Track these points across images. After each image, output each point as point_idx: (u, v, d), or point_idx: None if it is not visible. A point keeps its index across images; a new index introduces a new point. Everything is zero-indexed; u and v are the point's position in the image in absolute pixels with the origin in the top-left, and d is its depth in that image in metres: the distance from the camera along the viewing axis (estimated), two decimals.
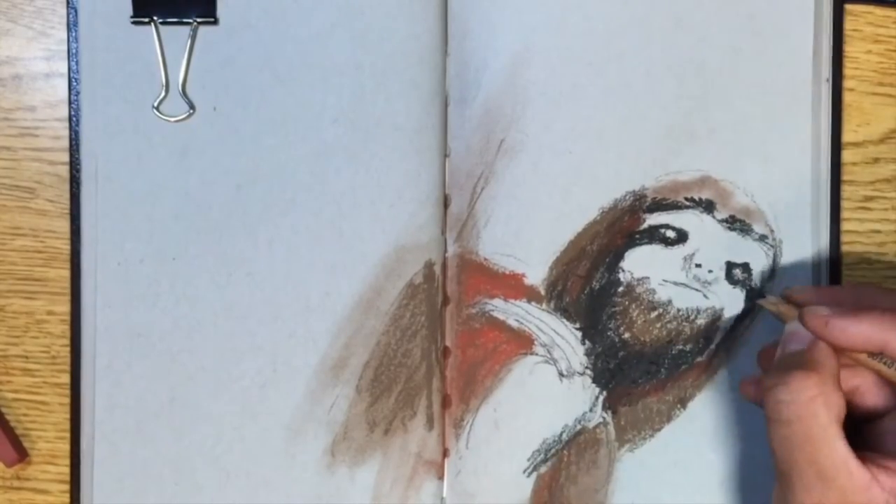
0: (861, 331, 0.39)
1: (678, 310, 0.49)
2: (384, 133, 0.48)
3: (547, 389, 0.49)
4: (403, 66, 0.48)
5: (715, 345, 0.49)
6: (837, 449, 0.37)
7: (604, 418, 0.49)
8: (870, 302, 0.41)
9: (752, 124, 0.49)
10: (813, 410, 0.37)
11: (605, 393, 0.49)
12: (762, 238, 0.49)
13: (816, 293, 0.44)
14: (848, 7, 0.50)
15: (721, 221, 0.49)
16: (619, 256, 0.49)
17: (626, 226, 0.49)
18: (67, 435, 0.49)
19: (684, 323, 0.49)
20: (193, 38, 0.48)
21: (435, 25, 0.48)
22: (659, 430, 0.49)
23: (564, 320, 0.49)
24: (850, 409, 0.41)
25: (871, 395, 0.42)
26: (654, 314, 0.49)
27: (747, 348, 0.49)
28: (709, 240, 0.49)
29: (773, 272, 0.49)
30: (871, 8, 0.50)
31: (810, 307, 0.41)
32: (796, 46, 0.49)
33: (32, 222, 0.49)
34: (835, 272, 0.50)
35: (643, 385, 0.49)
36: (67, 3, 0.48)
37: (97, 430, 0.48)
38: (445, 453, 0.49)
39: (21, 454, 0.49)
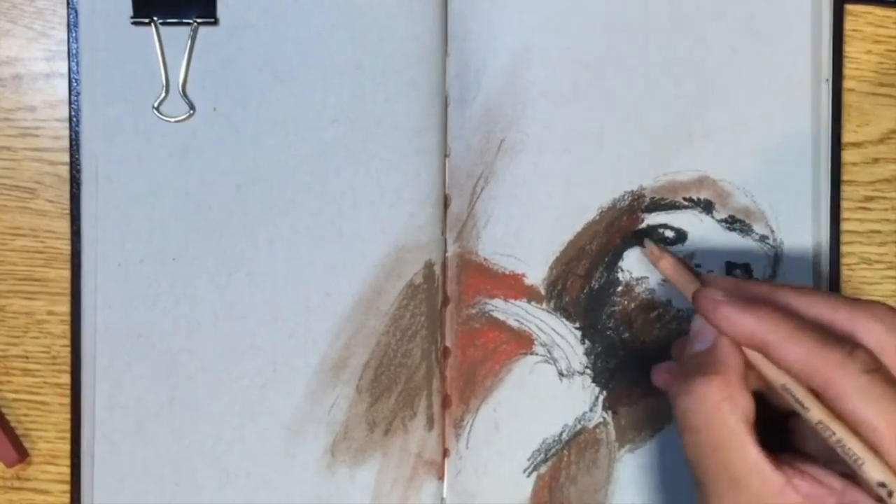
0: (745, 323, 0.37)
1: (678, 310, 0.49)
2: (384, 133, 0.48)
3: (547, 389, 0.49)
4: (403, 66, 0.48)
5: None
6: (749, 453, 0.35)
7: (604, 418, 0.49)
8: (780, 300, 0.39)
9: (752, 124, 0.49)
10: (720, 416, 0.36)
11: (605, 393, 0.49)
12: (762, 238, 0.49)
13: (734, 284, 0.41)
14: (848, 7, 0.50)
15: (720, 222, 0.49)
16: (619, 256, 0.49)
17: (625, 225, 0.49)
18: (68, 435, 0.49)
19: (684, 322, 0.49)
20: (193, 38, 0.48)
21: (435, 25, 0.48)
22: (659, 430, 0.49)
23: (564, 320, 0.49)
24: (773, 403, 0.39)
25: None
26: (653, 314, 0.49)
27: None
28: (708, 240, 0.49)
29: (774, 273, 0.49)
30: (871, 8, 0.50)
31: (707, 289, 0.40)
32: (795, 47, 0.49)
33: (33, 222, 0.49)
34: (835, 272, 0.50)
35: (643, 385, 0.49)
36: (68, 3, 0.48)
37: (97, 430, 0.48)
38: (445, 453, 0.49)
39: (21, 454, 0.49)
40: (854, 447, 0.34)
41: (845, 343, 0.35)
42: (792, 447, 0.39)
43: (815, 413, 0.35)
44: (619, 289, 0.49)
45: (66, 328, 0.49)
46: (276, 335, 0.48)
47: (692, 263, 0.49)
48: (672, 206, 0.49)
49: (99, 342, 0.48)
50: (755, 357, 0.38)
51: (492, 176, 0.49)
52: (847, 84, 0.50)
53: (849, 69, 0.50)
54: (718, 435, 0.36)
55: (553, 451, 0.49)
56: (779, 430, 0.38)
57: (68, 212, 0.49)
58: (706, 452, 0.36)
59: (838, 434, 0.34)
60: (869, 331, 0.36)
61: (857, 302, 0.37)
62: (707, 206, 0.49)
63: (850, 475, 0.35)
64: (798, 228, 0.49)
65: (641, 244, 0.49)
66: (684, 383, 0.37)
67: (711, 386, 0.36)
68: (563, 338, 0.49)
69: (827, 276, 0.49)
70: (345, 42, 0.48)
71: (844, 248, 0.50)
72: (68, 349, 0.49)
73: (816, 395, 0.36)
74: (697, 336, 0.40)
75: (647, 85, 0.49)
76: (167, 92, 0.48)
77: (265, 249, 0.48)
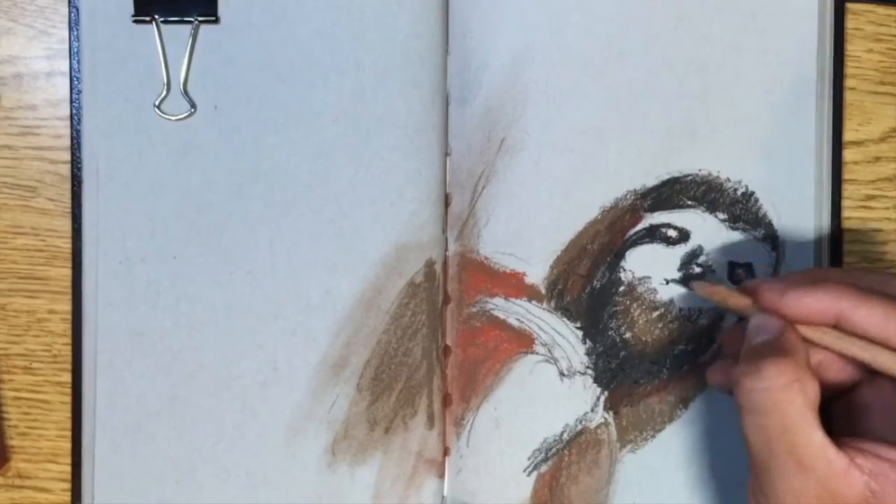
0: (816, 300, 0.38)
1: (680, 309, 0.49)
2: (385, 132, 0.48)
3: (547, 389, 0.49)
4: (404, 65, 0.48)
5: (717, 345, 0.49)
6: (815, 436, 0.36)
7: (605, 419, 0.49)
8: (823, 277, 0.40)
9: (755, 123, 0.49)
10: (790, 397, 0.36)
11: (606, 393, 0.49)
12: (765, 237, 0.49)
13: (785, 277, 0.43)
14: (849, 6, 0.50)
15: (723, 221, 0.49)
16: (620, 256, 0.49)
17: (627, 225, 0.49)
18: (68, 433, 0.49)
19: (686, 323, 0.49)
20: (195, 37, 0.48)
21: (435, 24, 0.48)
22: (661, 430, 0.49)
23: (565, 319, 0.49)
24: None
25: (834, 370, 0.41)
26: (655, 314, 0.49)
27: None
28: (711, 239, 0.49)
29: (776, 271, 0.49)
30: (872, 7, 0.50)
31: (764, 283, 0.40)
32: (799, 45, 0.49)
33: (34, 221, 0.50)
34: None
35: (645, 385, 0.49)
36: (69, 1, 0.48)
37: (98, 429, 0.48)
38: (446, 452, 0.49)
39: (2, 459, 0.49)
40: None
41: None
42: (837, 430, 0.39)
43: None
44: (621, 289, 0.49)
45: (67, 327, 0.49)
46: (276, 334, 0.48)
47: (695, 262, 0.49)
48: (675, 206, 0.49)
49: (100, 340, 0.48)
50: (826, 337, 0.39)
51: (493, 175, 0.49)
52: (848, 83, 0.50)
53: (850, 68, 0.50)
54: (786, 417, 0.36)
55: (553, 450, 0.49)
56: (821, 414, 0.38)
57: (69, 210, 0.49)
58: (773, 435, 0.37)
59: None
60: None
61: None
62: (710, 205, 0.49)
63: None
64: (800, 227, 0.49)
65: (687, 285, 0.49)
66: (753, 365, 0.37)
67: (784, 365, 0.37)
68: (563, 338, 0.49)
69: None
70: (345, 41, 0.48)
71: (846, 247, 0.50)
72: (69, 348, 0.49)
73: None
74: (759, 330, 0.40)
75: (649, 83, 0.49)
76: (168, 90, 0.48)
77: (266, 248, 0.48)
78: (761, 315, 0.40)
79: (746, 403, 0.38)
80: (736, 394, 0.38)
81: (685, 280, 0.49)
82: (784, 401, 0.36)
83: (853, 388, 0.41)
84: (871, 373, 0.40)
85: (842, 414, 0.41)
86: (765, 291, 0.40)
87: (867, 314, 0.37)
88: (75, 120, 0.49)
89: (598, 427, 0.49)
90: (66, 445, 0.49)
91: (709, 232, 0.49)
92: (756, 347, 0.40)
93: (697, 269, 0.49)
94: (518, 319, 0.49)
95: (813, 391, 0.37)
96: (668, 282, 0.49)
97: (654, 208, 0.49)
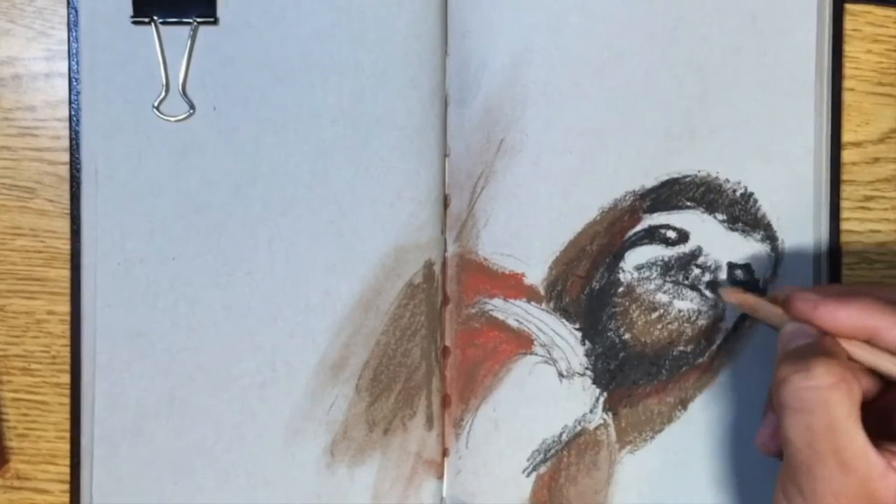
0: (850, 315, 0.38)
1: (679, 310, 0.49)
2: (384, 133, 0.48)
3: (546, 390, 0.49)
4: (403, 65, 0.48)
5: (716, 346, 0.49)
6: (858, 438, 0.36)
7: (604, 420, 0.49)
8: (856, 292, 0.40)
9: (754, 124, 0.49)
10: (838, 397, 0.36)
11: (605, 394, 0.49)
12: (764, 238, 0.49)
13: (816, 289, 0.43)
14: (848, 7, 0.50)
15: (722, 222, 0.49)
16: (620, 257, 0.49)
17: (626, 226, 0.49)
18: (67, 434, 0.49)
19: (685, 324, 0.49)
20: (193, 37, 0.48)
21: (435, 25, 0.48)
22: (660, 431, 0.49)
23: (564, 320, 0.49)
24: None
25: (861, 378, 0.41)
26: (654, 315, 0.49)
27: (749, 349, 0.49)
28: (710, 240, 0.49)
29: (775, 272, 0.49)
30: (870, 8, 0.50)
31: (798, 293, 0.40)
32: (798, 46, 0.49)
33: (32, 222, 0.50)
34: (835, 272, 0.49)
35: (644, 386, 0.49)
36: (68, 3, 0.48)
37: (97, 430, 0.48)
38: (445, 453, 0.49)
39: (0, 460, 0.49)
40: None
41: None
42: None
43: None
44: (620, 290, 0.49)
45: (66, 328, 0.49)
46: (275, 335, 0.48)
47: (694, 263, 0.49)
48: (674, 207, 0.49)
49: (98, 342, 0.48)
50: (859, 352, 0.39)
51: (492, 175, 0.49)
52: (847, 84, 0.50)
53: (849, 69, 0.50)
54: (833, 417, 0.36)
55: (553, 451, 0.49)
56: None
57: (68, 211, 0.49)
58: (819, 434, 0.37)
59: None
60: None
61: None
62: (709, 206, 0.49)
63: None
64: (799, 228, 0.49)
65: (714, 290, 0.49)
66: (802, 363, 0.37)
67: (832, 367, 0.37)
68: (563, 338, 0.49)
69: (827, 275, 0.49)
70: (344, 42, 0.48)
71: (845, 248, 0.50)
72: (68, 349, 0.49)
73: None
74: (795, 335, 0.40)
75: (648, 84, 0.49)
76: (167, 91, 0.48)
77: (265, 249, 0.48)
78: (795, 323, 0.40)
79: (792, 402, 0.37)
80: (780, 392, 0.38)
81: (712, 286, 0.49)
82: (832, 400, 0.36)
83: (880, 394, 0.41)
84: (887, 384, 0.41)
85: (872, 418, 0.41)
86: (798, 302, 0.40)
87: None
88: (74, 121, 0.49)
89: (597, 428, 0.49)
90: (65, 447, 0.49)
91: (708, 233, 0.49)
92: (800, 349, 0.40)
93: (696, 270, 0.49)
94: (517, 320, 0.49)
95: (858, 393, 0.37)
96: (675, 282, 0.49)
97: (653, 209, 0.49)
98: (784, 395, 0.38)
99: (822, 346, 0.39)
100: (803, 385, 0.37)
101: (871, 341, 0.39)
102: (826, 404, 0.37)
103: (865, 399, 0.40)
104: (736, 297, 0.44)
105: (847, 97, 0.50)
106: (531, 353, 0.49)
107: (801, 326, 0.40)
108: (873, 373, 0.40)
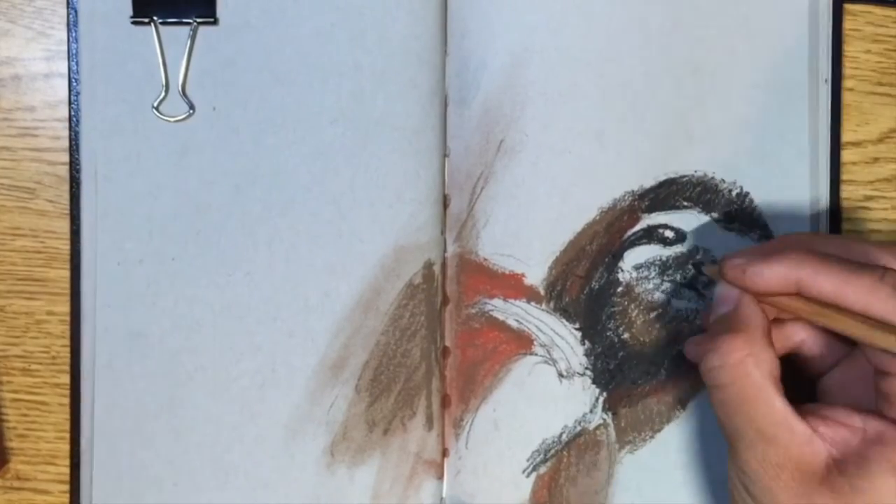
0: (775, 272, 0.38)
1: (677, 310, 0.49)
2: (383, 133, 0.48)
3: (546, 390, 0.49)
4: (403, 66, 0.48)
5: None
6: (775, 406, 0.37)
7: (604, 419, 0.49)
8: (793, 246, 0.40)
9: (750, 124, 0.49)
10: (744, 371, 0.37)
11: (605, 394, 0.49)
12: (761, 238, 0.49)
13: (751, 248, 0.43)
14: (847, 7, 0.50)
15: (719, 221, 0.49)
16: (619, 256, 0.49)
17: (625, 226, 0.49)
18: (67, 435, 0.49)
19: (684, 323, 0.49)
20: (193, 38, 0.48)
21: (434, 25, 0.48)
22: (659, 430, 0.49)
23: (564, 320, 0.49)
24: (800, 364, 0.42)
25: (818, 349, 0.42)
26: (653, 314, 0.49)
27: None
28: (706, 240, 0.49)
29: None
30: (870, 7, 0.50)
31: (727, 259, 0.40)
32: (792, 47, 0.50)
33: (32, 223, 0.50)
34: None
35: (643, 386, 0.49)
36: (67, 3, 0.48)
37: (96, 431, 0.48)
38: (445, 453, 0.49)
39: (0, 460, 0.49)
40: None
41: (875, 268, 0.37)
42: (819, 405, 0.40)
43: (861, 332, 0.37)
44: (619, 289, 0.49)
45: (66, 328, 0.49)
46: (275, 335, 0.48)
47: (691, 263, 0.49)
48: (672, 207, 0.49)
49: (98, 342, 0.48)
50: (792, 304, 0.39)
51: (491, 176, 0.49)
52: (846, 83, 0.50)
53: (848, 69, 0.50)
54: (744, 389, 0.37)
55: (552, 451, 0.49)
56: (806, 391, 0.39)
57: (68, 212, 0.49)
58: (733, 408, 0.38)
59: (883, 343, 0.36)
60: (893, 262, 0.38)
61: (880, 242, 0.40)
62: (705, 206, 0.49)
63: (870, 410, 0.37)
64: (795, 228, 0.49)
65: (697, 269, 0.49)
66: (710, 342, 0.39)
67: (736, 342, 0.38)
68: (562, 338, 0.49)
69: None
70: (344, 42, 0.48)
71: None
72: (68, 349, 0.49)
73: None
74: (720, 301, 0.41)
75: (646, 85, 0.49)
76: (167, 92, 0.48)
77: (264, 249, 0.48)
78: (723, 284, 0.41)
79: (708, 380, 0.39)
80: (700, 372, 0.39)
81: (696, 266, 0.49)
82: (740, 374, 0.37)
83: (837, 364, 0.42)
84: (851, 346, 0.41)
85: (824, 390, 0.42)
86: (728, 270, 0.40)
87: (825, 280, 0.37)
88: (74, 121, 0.48)
89: (596, 428, 0.49)
90: (65, 447, 0.49)
91: (704, 232, 0.49)
92: (713, 325, 0.41)
93: (694, 270, 0.49)
94: (517, 320, 0.49)
95: (771, 362, 0.38)
96: (674, 281, 0.49)
97: (651, 209, 0.49)
98: (703, 376, 0.39)
99: (733, 318, 0.39)
100: (713, 365, 0.38)
101: (800, 294, 0.39)
102: (734, 379, 0.37)
103: (828, 369, 0.41)
104: (710, 270, 0.44)
105: (847, 97, 0.50)
106: (531, 354, 0.49)
107: (724, 291, 0.41)
108: (832, 337, 0.41)
